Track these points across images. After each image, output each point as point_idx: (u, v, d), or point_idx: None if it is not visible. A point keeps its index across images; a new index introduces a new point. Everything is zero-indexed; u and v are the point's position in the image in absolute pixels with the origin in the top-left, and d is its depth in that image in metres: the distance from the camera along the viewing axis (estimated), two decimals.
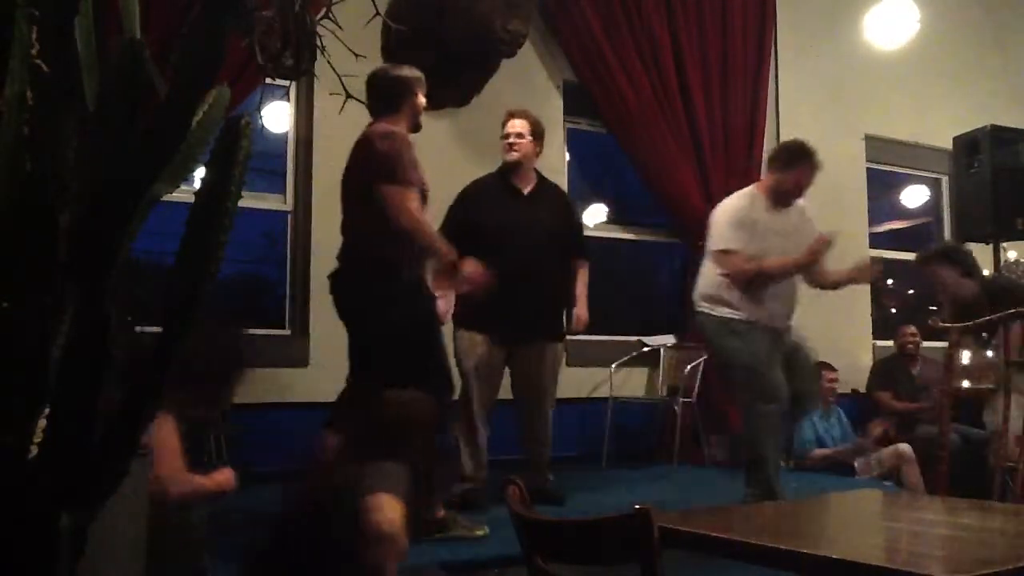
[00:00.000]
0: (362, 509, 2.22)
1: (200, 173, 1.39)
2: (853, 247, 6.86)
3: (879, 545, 1.98)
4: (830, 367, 5.97)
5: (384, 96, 3.47)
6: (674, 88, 6.07)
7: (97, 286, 1.23)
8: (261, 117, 4.79)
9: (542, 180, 4.39)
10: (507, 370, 4.25)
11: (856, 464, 5.60)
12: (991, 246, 6.29)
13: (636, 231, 6.55)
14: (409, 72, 3.57)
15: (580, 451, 5.35)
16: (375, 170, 3.27)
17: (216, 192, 1.32)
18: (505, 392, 5.22)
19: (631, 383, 5.94)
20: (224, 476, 2.55)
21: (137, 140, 1.28)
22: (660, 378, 5.88)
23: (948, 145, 6.91)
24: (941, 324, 4.13)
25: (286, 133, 5.31)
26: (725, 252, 4.11)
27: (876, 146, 7.10)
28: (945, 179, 7.58)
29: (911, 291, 8.50)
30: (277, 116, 5.31)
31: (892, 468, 5.47)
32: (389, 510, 2.23)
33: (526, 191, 4.30)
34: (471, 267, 3.61)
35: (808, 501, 3.06)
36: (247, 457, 4.43)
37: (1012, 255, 6.50)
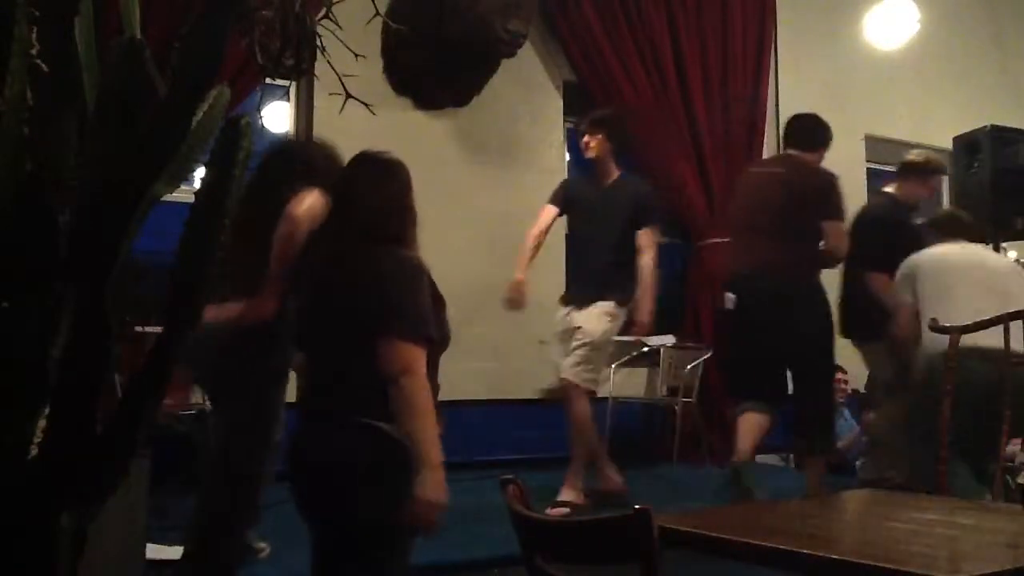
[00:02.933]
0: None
1: (200, 173, 1.39)
2: None
3: (879, 545, 1.98)
4: (839, 368, 6.00)
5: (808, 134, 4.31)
6: (674, 88, 6.07)
7: (97, 286, 1.23)
8: (261, 117, 4.78)
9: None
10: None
11: (857, 464, 5.61)
12: (991, 246, 6.28)
13: None
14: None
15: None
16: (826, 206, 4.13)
17: (216, 192, 1.32)
18: (506, 391, 5.24)
19: (631, 383, 5.94)
20: None
21: (137, 140, 1.28)
22: (660, 378, 5.88)
23: (948, 145, 6.90)
24: (940, 324, 4.13)
25: (286, 133, 5.31)
26: None
27: (876, 146, 7.10)
28: (945, 179, 7.58)
29: None
30: (277, 116, 5.30)
31: None
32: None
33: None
34: None
35: (808, 501, 3.06)
36: None
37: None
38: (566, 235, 5.80)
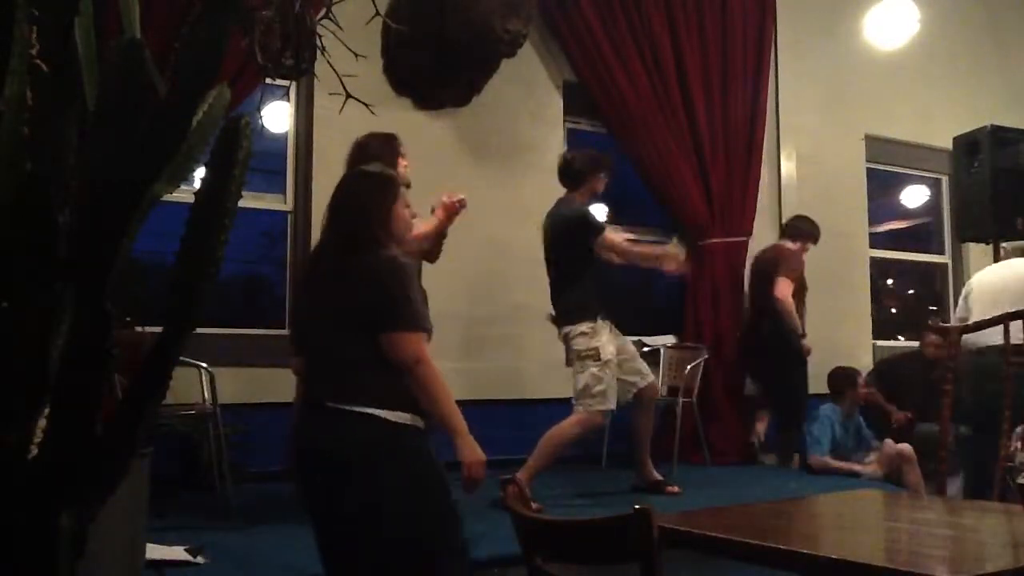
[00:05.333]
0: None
1: (200, 173, 1.39)
2: (853, 247, 6.87)
3: (879, 545, 1.99)
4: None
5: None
6: (674, 88, 6.07)
7: (97, 286, 1.23)
8: (261, 117, 4.78)
9: None
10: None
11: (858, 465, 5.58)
12: (991, 246, 6.29)
13: (636, 231, 6.53)
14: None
15: (580, 451, 5.35)
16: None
17: (216, 192, 1.32)
18: (505, 391, 5.24)
19: None
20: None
21: (137, 140, 1.28)
22: (660, 378, 5.87)
23: (948, 145, 6.90)
24: (941, 324, 4.14)
25: (286, 133, 5.31)
26: None
27: (876, 146, 7.10)
28: (945, 179, 7.58)
29: (911, 291, 8.51)
30: (277, 116, 5.30)
31: (893, 468, 5.46)
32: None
33: None
34: None
35: (808, 501, 3.06)
36: (247, 457, 4.43)
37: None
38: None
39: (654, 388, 4.68)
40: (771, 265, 5.83)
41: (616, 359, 4.40)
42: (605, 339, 4.34)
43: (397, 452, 2.25)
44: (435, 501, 2.27)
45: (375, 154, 4.23)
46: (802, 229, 6.00)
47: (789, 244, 5.99)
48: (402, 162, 4.04)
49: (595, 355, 4.29)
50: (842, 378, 5.80)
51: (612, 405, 4.35)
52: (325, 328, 2.37)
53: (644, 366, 4.65)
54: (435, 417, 2.31)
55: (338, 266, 2.39)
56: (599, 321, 4.36)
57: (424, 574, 2.26)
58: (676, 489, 4.51)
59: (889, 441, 5.58)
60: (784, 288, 5.69)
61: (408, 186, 4.33)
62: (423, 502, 2.26)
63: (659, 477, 4.58)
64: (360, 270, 2.34)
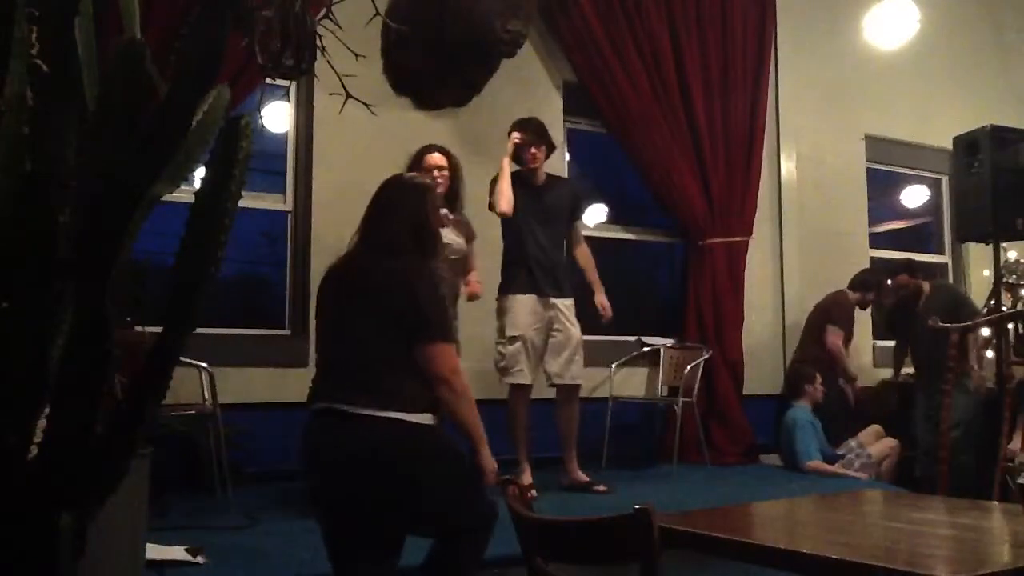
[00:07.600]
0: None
1: (200, 173, 1.39)
2: (853, 247, 6.87)
3: (879, 545, 1.99)
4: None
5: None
6: (674, 88, 6.07)
7: (97, 286, 1.23)
8: (261, 117, 4.78)
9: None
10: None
11: (854, 464, 5.58)
12: (991, 246, 6.29)
13: (636, 231, 6.54)
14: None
15: (580, 451, 5.35)
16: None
17: (216, 192, 1.32)
18: (504, 391, 5.24)
19: (631, 383, 5.93)
20: None
21: (137, 140, 1.28)
22: (660, 378, 5.88)
23: (948, 145, 6.90)
24: (940, 324, 4.14)
25: (286, 133, 5.31)
26: None
27: (876, 146, 7.10)
28: (945, 179, 7.58)
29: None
30: (277, 116, 5.30)
31: (881, 459, 5.47)
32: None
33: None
34: None
35: (808, 501, 3.06)
36: (247, 457, 4.43)
37: (1012, 255, 6.49)
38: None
39: (573, 389, 4.71)
40: (822, 314, 6.06)
41: (534, 337, 4.53)
42: (512, 315, 4.54)
43: (425, 450, 2.37)
44: (463, 465, 2.45)
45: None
46: (864, 280, 6.18)
47: (850, 294, 6.14)
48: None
49: (500, 331, 4.56)
50: (801, 376, 5.83)
51: (521, 380, 4.50)
52: (355, 333, 2.43)
53: (570, 366, 4.66)
54: (460, 425, 2.45)
55: (373, 273, 2.46)
56: (510, 296, 4.57)
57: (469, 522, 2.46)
58: (604, 488, 4.54)
59: (875, 446, 5.58)
60: (834, 337, 5.93)
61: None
62: (455, 471, 2.42)
63: (585, 478, 4.64)
64: (397, 278, 2.41)
